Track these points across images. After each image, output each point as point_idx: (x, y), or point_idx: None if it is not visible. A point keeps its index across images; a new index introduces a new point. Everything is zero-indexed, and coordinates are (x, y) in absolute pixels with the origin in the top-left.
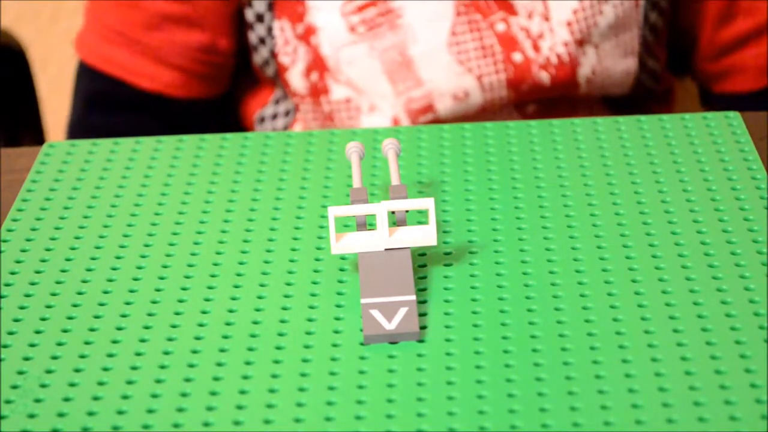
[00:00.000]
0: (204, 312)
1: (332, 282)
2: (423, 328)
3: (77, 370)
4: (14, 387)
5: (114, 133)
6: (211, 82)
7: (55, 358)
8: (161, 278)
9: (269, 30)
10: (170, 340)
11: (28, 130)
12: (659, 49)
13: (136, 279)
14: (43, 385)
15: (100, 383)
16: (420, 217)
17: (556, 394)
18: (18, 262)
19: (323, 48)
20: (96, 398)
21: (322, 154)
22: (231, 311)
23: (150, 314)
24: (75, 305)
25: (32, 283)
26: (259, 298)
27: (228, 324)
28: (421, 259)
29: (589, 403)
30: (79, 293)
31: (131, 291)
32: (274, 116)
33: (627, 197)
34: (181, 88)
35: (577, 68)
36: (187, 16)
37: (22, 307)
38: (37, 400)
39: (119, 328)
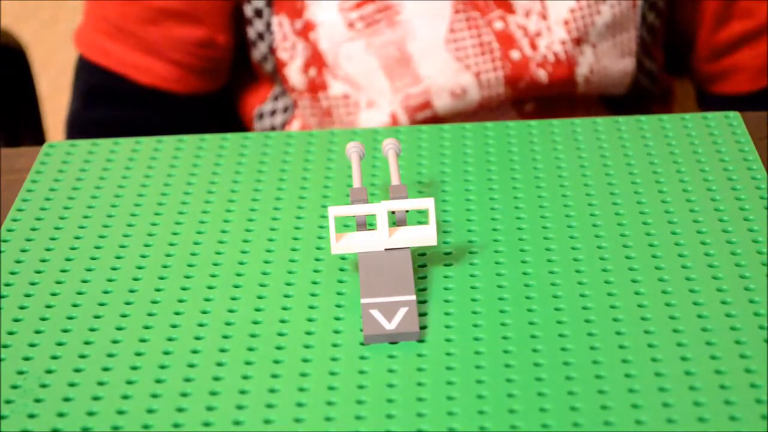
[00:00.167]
0: (204, 312)
1: (332, 282)
2: (423, 328)
3: (77, 370)
4: (14, 387)
5: (112, 127)
6: (209, 77)
7: (55, 358)
8: (161, 278)
9: (268, 25)
10: (170, 340)
11: (28, 130)
12: (656, 50)
13: (136, 279)
14: (43, 385)
15: (100, 383)
16: (420, 217)
17: (556, 394)
18: (18, 262)
19: (322, 44)
20: (96, 398)
21: (322, 154)
22: (231, 311)
23: (150, 314)
24: (75, 305)
25: (32, 283)
26: (259, 298)
27: (228, 324)
28: (421, 259)
29: (589, 403)
30: (79, 293)
31: (131, 291)
32: (273, 112)
33: (627, 197)
34: (179, 83)
35: (575, 67)
36: (185, 11)
37: (22, 307)
38: (37, 400)
39: (119, 328)
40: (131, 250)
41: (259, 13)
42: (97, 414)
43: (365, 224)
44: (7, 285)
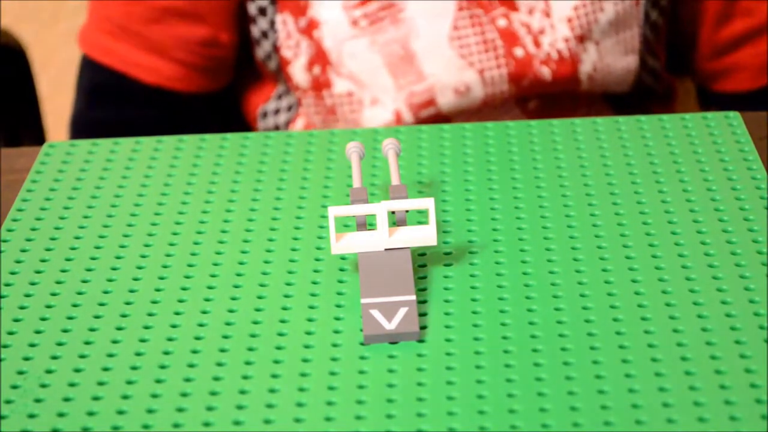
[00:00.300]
0: (204, 312)
1: (332, 282)
2: (423, 328)
3: (77, 370)
4: (14, 387)
5: (116, 126)
6: (212, 76)
7: (55, 358)
8: (161, 278)
9: (272, 24)
10: (170, 340)
11: (28, 130)
12: (660, 48)
13: (136, 279)
14: (43, 385)
15: (100, 383)
16: (420, 217)
17: (556, 394)
18: (18, 262)
19: (326, 42)
20: (96, 398)
21: (322, 154)
22: (231, 311)
23: (150, 314)
24: (75, 305)
25: (32, 283)
26: (259, 298)
27: (228, 324)
28: (421, 259)
29: (589, 403)
30: (79, 293)
31: (131, 291)
32: (277, 111)
33: (627, 197)
34: (183, 82)
35: (578, 65)
36: (188, 11)
37: (22, 307)
38: (37, 400)
39: (119, 328)
40: (131, 250)
41: (262, 11)
42: (97, 414)
43: (365, 224)
44: (7, 285)
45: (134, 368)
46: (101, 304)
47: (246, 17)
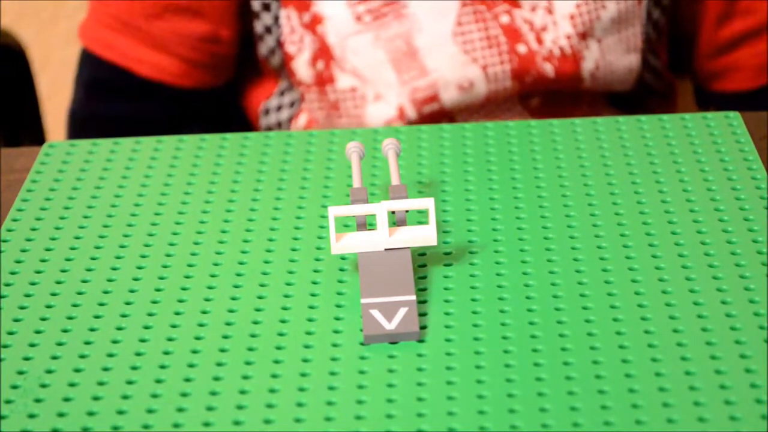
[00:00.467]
0: (204, 312)
1: (332, 282)
2: (423, 328)
3: (77, 370)
4: (14, 387)
5: (115, 120)
6: (213, 72)
7: (55, 358)
8: (161, 278)
9: (276, 19)
10: (170, 340)
11: (28, 130)
12: (661, 47)
13: (136, 279)
14: (43, 385)
15: (100, 383)
16: (420, 217)
17: (556, 394)
18: (18, 262)
19: (329, 37)
20: (96, 398)
21: (322, 154)
22: (231, 311)
23: (150, 314)
24: (75, 305)
25: (32, 283)
26: (259, 298)
27: (228, 324)
28: (421, 259)
29: (589, 403)
30: (79, 293)
31: (131, 291)
32: (279, 108)
33: (627, 197)
34: (183, 77)
35: (581, 62)
36: (189, 7)
37: (22, 307)
38: (37, 400)
39: (119, 328)
40: (131, 250)
41: (267, 7)
42: (97, 414)
43: (365, 224)
44: (7, 285)
45: (134, 368)
46: (101, 304)
47: (248, 13)
